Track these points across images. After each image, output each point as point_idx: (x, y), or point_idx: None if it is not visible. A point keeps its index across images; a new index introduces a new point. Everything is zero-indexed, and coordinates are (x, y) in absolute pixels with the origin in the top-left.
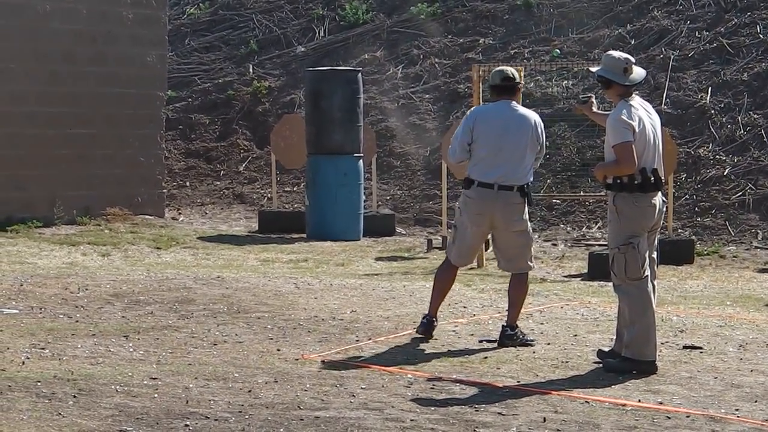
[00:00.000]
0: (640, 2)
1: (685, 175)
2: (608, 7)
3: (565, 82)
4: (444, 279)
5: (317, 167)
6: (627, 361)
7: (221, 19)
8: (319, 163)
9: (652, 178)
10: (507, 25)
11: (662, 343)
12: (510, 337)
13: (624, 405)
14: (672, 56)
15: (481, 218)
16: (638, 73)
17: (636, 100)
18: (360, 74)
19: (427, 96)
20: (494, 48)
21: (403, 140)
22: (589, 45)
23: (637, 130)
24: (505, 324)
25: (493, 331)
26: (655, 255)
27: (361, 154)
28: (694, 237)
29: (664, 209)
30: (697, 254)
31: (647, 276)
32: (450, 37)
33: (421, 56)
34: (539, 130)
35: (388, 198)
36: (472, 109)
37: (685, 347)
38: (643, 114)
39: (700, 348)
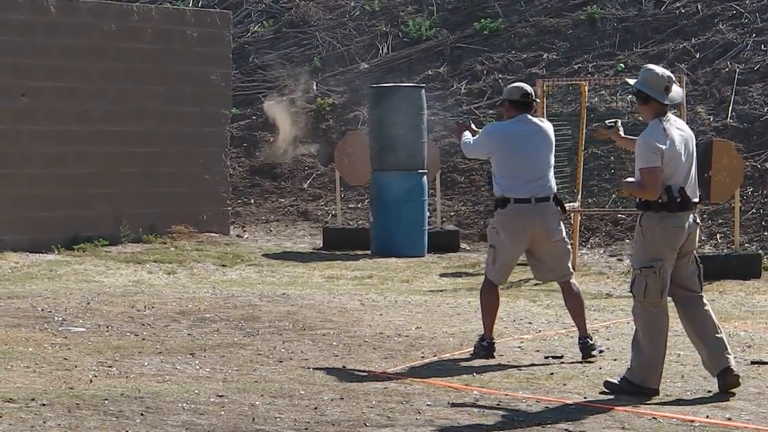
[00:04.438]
0: (704, 16)
1: (751, 189)
2: (672, 21)
3: (630, 96)
4: (491, 300)
5: (381, 184)
6: (631, 385)
7: (285, 36)
8: (383, 180)
9: (679, 198)
10: (570, 39)
11: None
12: (592, 347)
13: (692, 421)
14: (737, 69)
15: (523, 234)
16: (677, 92)
17: (670, 119)
18: (424, 90)
19: (490, 111)
20: (558, 63)
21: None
22: (654, 59)
23: (666, 153)
24: (582, 336)
25: (559, 347)
26: (696, 278)
27: (425, 170)
28: (761, 251)
29: (697, 230)
30: (765, 269)
31: (664, 301)
32: (513, 52)
33: (485, 72)
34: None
35: (452, 214)
36: (492, 126)
37: (753, 362)
38: (676, 133)
39: None
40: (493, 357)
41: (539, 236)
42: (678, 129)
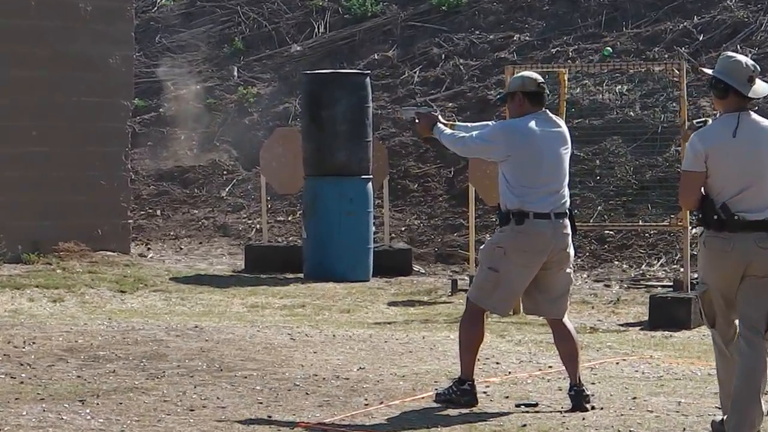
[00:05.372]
0: None
1: None
2: None
3: (619, 87)
4: (477, 333)
5: (317, 192)
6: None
7: (200, 12)
8: (319, 187)
9: (717, 216)
10: (547, 18)
11: None
12: (587, 398)
13: None
14: (749, 54)
15: (541, 257)
16: (763, 86)
17: (751, 117)
18: (369, 78)
19: (450, 104)
20: (531, 46)
21: (422, 159)
22: (648, 42)
23: (710, 157)
24: (574, 384)
25: (533, 392)
26: (759, 314)
27: (371, 176)
28: None
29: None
30: None
31: (719, 334)
32: (478, 32)
33: (443, 56)
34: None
35: (403, 229)
36: (510, 123)
37: None
38: (746, 135)
39: None
40: (476, 403)
41: (554, 260)
42: (752, 131)
